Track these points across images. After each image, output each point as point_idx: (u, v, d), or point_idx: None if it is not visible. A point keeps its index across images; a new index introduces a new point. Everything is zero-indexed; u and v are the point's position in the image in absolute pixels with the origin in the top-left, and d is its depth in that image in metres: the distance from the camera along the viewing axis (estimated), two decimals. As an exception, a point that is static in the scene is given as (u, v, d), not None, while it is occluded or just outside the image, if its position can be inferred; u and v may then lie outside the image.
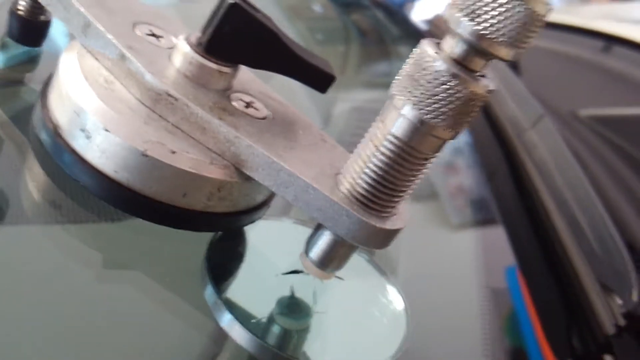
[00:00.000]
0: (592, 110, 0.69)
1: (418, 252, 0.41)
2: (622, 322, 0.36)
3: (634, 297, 0.38)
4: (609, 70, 0.79)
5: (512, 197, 0.52)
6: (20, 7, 0.32)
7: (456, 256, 0.46)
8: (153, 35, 0.28)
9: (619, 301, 0.38)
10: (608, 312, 0.37)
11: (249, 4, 0.26)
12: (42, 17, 0.32)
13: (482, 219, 0.54)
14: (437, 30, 0.93)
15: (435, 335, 0.35)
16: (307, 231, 0.27)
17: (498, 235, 0.49)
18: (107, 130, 0.24)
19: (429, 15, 1.09)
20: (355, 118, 0.56)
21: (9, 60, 0.35)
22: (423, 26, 1.01)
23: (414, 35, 0.95)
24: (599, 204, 0.45)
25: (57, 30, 0.35)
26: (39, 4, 0.29)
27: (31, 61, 0.36)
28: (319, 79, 0.28)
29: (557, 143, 0.52)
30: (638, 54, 0.75)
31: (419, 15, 1.15)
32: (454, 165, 0.59)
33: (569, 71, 0.80)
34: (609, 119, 0.68)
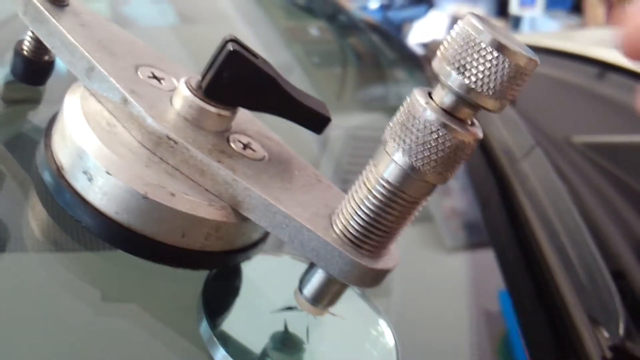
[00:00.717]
0: (585, 137, 0.70)
1: (411, 274, 0.42)
2: (609, 354, 0.37)
3: (621, 331, 0.38)
4: (603, 97, 0.80)
5: (504, 228, 0.53)
6: (24, 47, 0.33)
7: (450, 278, 0.46)
8: (155, 77, 0.29)
9: (606, 334, 0.38)
10: (595, 345, 0.38)
11: (248, 50, 0.27)
12: (46, 57, 0.33)
13: (476, 242, 0.54)
14: (433, 55, 0.94)
15: (427, 356, 0.36)
16: (301, 266, 0.28)
17: (491, 258, 0.50)
18: (108, 173, 0.25)
19: (426, 39, 1.10)
20: (351, 141, 0.57)
21: (7, 76, 0.36)
22: (419, 50, 1.03)
23: (410, 60, 0.96)
24: (589, 237, 0.45)
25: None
26: (44, 44, 0.30)
27: (32, 89, 0.36)
28: (315, 121, 0.29)
29: (548, 174, 0.53)
30: (632, 81, 0.77)
31: (415, 38, 1.17)
32: (448, 188, 0.60)
33: (564, 97, 0.81)
34: (602, 146, 0.69)
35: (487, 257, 0.50)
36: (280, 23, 0.84)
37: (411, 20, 1.66)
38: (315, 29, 0.91)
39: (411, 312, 0.38)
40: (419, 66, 0.92)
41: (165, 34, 0.59)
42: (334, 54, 0.86)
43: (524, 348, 0.40)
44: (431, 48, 0.96)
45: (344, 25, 0.99)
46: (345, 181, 0.51)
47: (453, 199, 0.59)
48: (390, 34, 1.10)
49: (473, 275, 0.47)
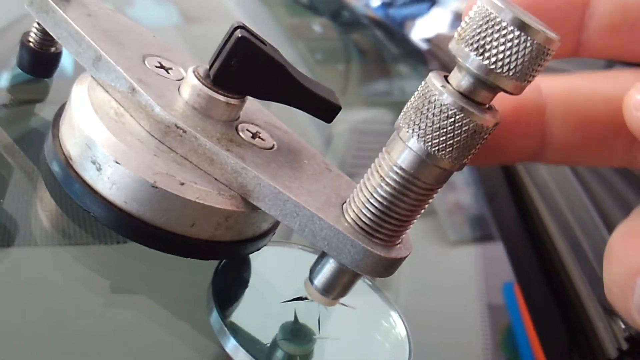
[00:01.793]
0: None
1: (416, 269, 0.42)
2: (624, 345, 0.37)
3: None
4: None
5: (512, 219, 0.52)
6: (30, 39, 0.32)
7: (454, 273, 0.46)
8: (162, 67, 0.29)
9: (622, 325, 0.38)
10: (610, 336, 0.37)
11: (256, 37, 0.27)
12: (53, 49, 0.33)
13: (480, 236, 0.54)
14: (437, 49, 0.93)
15: (433, 350, 0.35)
16: (312, 257, 0.27)
17: (495, 251, 0.49)
18: (117, 162, 0.25)
19: (429, 34, 1.10)
20: (356, 138, 0.56)
21: (16, 78, 0.36)
22: (423, 45, 1.02)
23: (414, 55, 0.95)
24: (602, 225, 0.45)
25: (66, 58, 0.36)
26: (50, 36, 0.30)
27: (40, 85, 0.36)
28: (325, 110, 0.28)
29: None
30: None
31: (419, 34, 1.16)
32: (452, 182, 0.59)
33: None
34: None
35: (492, 250, 0.50)
36: (283, 21, 0.84)
37: (414, 17, 1.65)
38: (318, 25, 0.90)
39: (417, 306, 0.38)
40: (423, 61, 0.91)
41: (169, 34, 0.59)
42: (338, 50, 0.85)
43: (529, 337, 0.40)
44: (435, 42, 0.95)
45: (347, 21, 0.99)
46: (350, 175, 0.51)
47: (456, 192, 0.59)
48: (394, 29, 1.10)
49: (477, 268, 0.47)
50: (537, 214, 0.49)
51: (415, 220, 0.26)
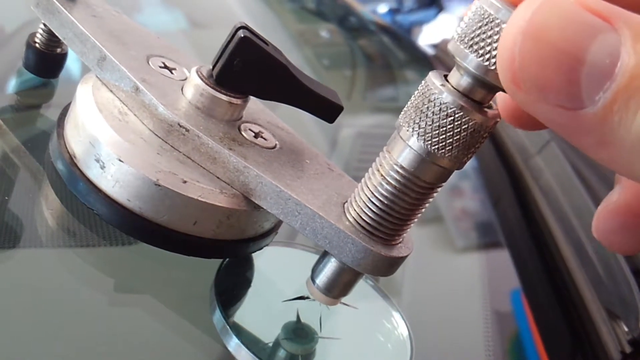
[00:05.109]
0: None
1: (423, 275, 0.42)
2: (628, 349, 0.36)
3: (641, 324, 0.37)
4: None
5: (517, 223, 0.52)
6: (37, 40, 0.33)
7: (461, 279, 0.46)
8: (166, 67, 0.29)
9: (625, 328, 0.37)
10: (614, 339, 0.37)
11: (259, 37, 0.27)
12: (59, 50, 0.33)
13: (487, 242, 0.54)
14: (444, 55, 0.93)
15: (438, 355, 0.35)
16: (313, 257, 0.28)
17: (503, 258, 0.49)
18: (121, 160, 0.25)
19: (436, 40, 1.10)
20: (361, 143, 0.56)
21: (24, 84, 0.36)
22: (430, 51, 1.02)
23: (421, 60, 0.96)
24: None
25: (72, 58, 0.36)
26: (56, 36, 0.30)
27: (46, 90, 0.37)
28: (327, 110, 0.29)
29: (563, 169, 0.52)
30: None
31: (426, 39, 1.16)
32: (459, 188, 0.59)
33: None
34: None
35: (499, 257, 0.50)
36: (290, 26, 0.84)
37: (421, 23, 1.66)
38: (325, 31, 0.91)
39: (423, 312, 0.38)
40: (429, 66, 0.92)
41: (176, 39, 0.59)
42: (345, 56, 0.85)
43: (536, 345, 0.39)
44: (442, 48, 0.95)
45: (354, 27, 0.99)
46: (355, 180, 0.51)
47: (463, 198, 0.59)
48: (401, 34, 1.10)
49: (484, 275, 0.46)
50: (542, 219, 0.49)
51: (416, 219, 0.26)
